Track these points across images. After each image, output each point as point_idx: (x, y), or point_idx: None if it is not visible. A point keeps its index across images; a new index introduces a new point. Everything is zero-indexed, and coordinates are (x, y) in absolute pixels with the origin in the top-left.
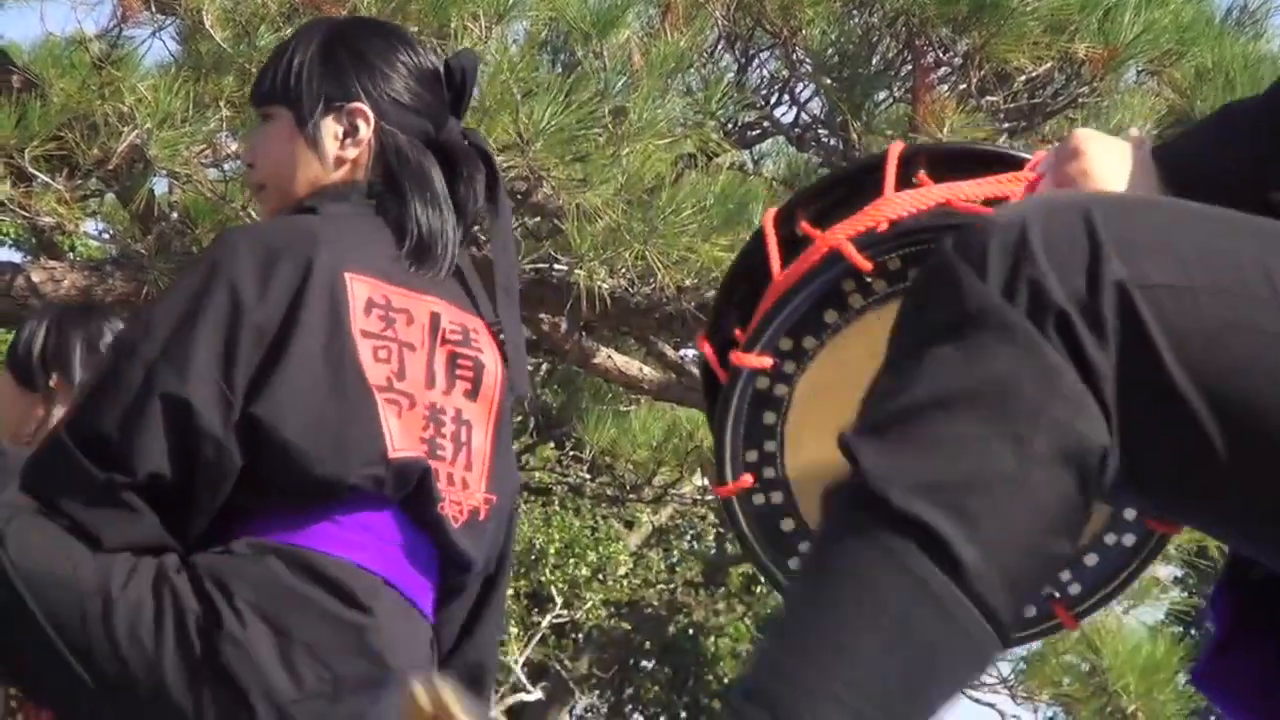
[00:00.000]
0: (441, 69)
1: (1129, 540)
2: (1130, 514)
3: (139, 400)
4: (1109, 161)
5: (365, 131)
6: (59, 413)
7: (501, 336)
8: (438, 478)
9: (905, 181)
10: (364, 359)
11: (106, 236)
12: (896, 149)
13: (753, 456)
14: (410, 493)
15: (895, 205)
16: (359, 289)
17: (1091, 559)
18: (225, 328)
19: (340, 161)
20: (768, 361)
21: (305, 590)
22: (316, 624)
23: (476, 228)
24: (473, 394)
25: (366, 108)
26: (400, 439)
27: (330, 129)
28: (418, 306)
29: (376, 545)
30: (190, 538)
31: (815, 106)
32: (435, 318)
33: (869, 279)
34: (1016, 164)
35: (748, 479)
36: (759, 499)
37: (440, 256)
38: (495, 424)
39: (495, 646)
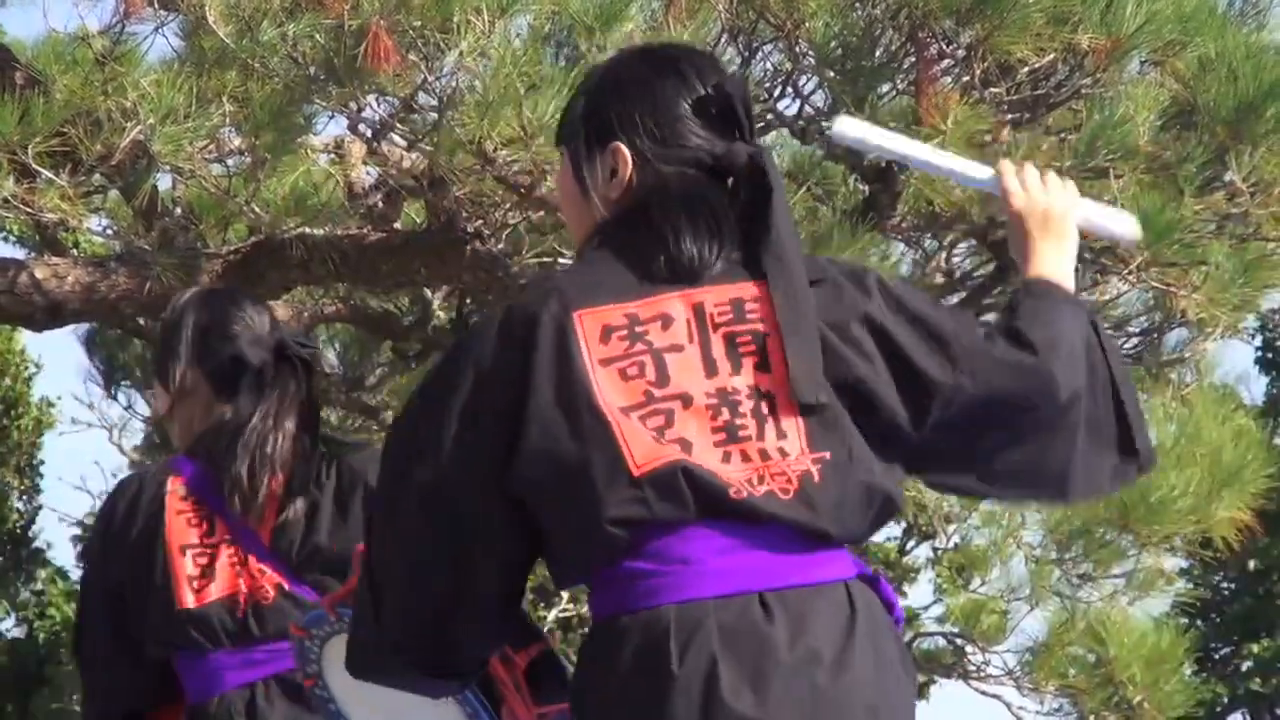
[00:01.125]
0: (713, 92)
1: None
2: None
3: (403, 490)
4: None
5: (624, 171)
6: (193, 405)
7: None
8: (746, 457)
9: None
10: (602, 389)
11: (110, 232)
12: None
13: None
14: (692, 495)
15: None
16: (590, 322)
17: None
18: (474, 410)
19: (607, 200)
20: None
21: (629, 691)
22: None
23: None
24: (762, 365)
25: (624, 146)
26: (644, 452)
27: (597, 169)
28: (675, 305)
29: (684, 570)
30: (478, 627)
31: (819, 99)
32: (699, 307)
33: None
34: None
35: None
36: None
37: (691, 265)
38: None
39: None
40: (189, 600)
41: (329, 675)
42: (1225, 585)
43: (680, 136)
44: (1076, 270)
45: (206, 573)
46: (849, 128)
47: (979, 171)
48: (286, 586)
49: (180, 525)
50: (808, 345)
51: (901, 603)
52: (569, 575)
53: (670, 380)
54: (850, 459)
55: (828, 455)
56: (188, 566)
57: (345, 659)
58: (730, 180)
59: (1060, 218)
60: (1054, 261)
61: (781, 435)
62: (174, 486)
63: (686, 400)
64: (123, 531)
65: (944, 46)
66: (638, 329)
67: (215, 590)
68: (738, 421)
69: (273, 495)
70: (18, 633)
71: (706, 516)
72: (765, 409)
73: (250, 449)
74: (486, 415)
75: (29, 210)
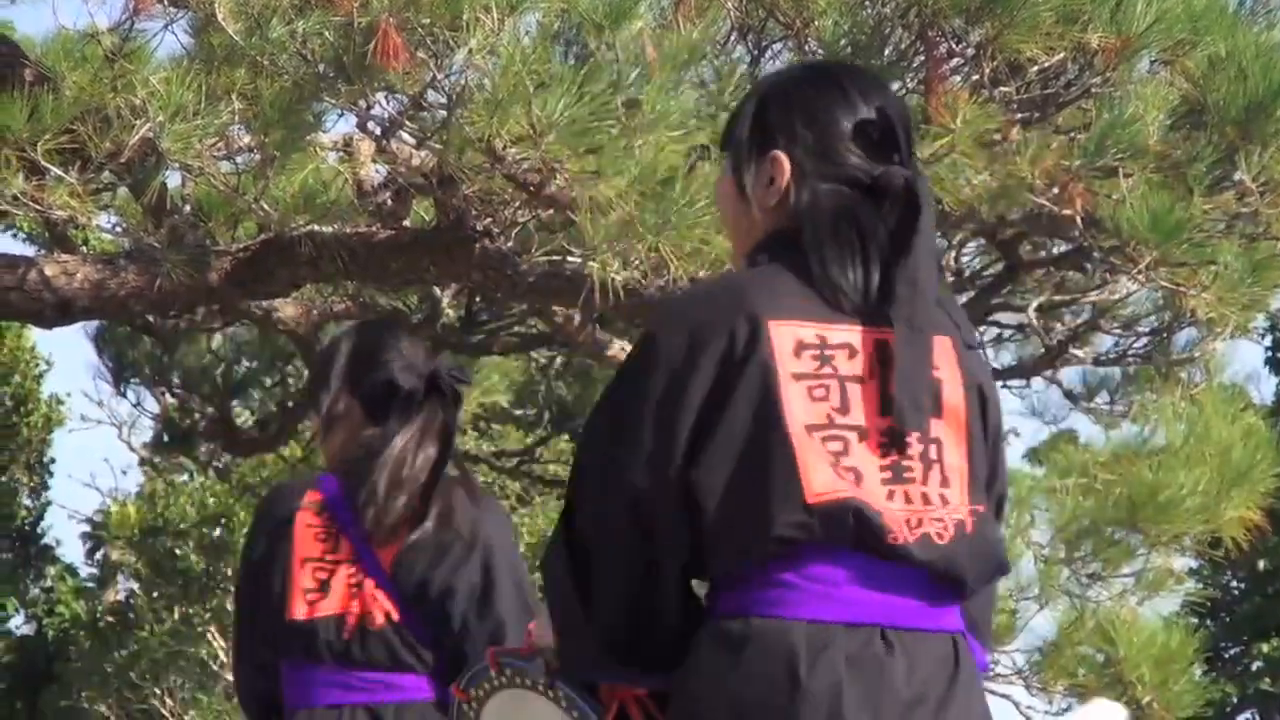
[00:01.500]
0: (875, 115)
1: None
2: None
3: (597, 494)
4: None
5: (781, 180)
6: (343, 429)
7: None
8: (909, 500)
9: None
10: (792, 404)
11: (119, 230)
12: None
13: None
14: (853, 531)
15: None
16: (784, 334)
17: None
18: (663, 409)
19: (764, 209)
20: None
21: (742, 689)
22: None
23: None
24: (936, 412)
25: (783, 156)
26: (822, 483)
27: (755, 176)
28: (858, 338)
29: (825, 592)
30: (669, 615)
31: None
32: (881, 346)
33: None
34: None
35: None
36: None
37: (857, 298)
38: (968, 439)
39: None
40: (300, 612)
41: None
42: (1235, 585)
43: (838, 154)
44: (1086, 269)
45: (323, 588)
46: None
47: None
48: (395, 616)
49: (307, 538)
50: (919, 372)
51: None
52: (713, 569)
53: (850, 410)
54: (995, 517)
55: (980, 509)
56: (306, 579)
57: (561, 665)
58: (884, 202)
59: None
60: None
61: (945, 483)
62: (310, 500)
63: (863, 434)
64: (258, 537)
65: (953, 45)
66: (826, 351)
67: (327, 606)
68: (904, 463)
69: (403, 521)
70: (27, 630)
71: (858, 550)
72: (933, 454)
73: (388, 469)
74: (681, 414)
75: (38, 207)
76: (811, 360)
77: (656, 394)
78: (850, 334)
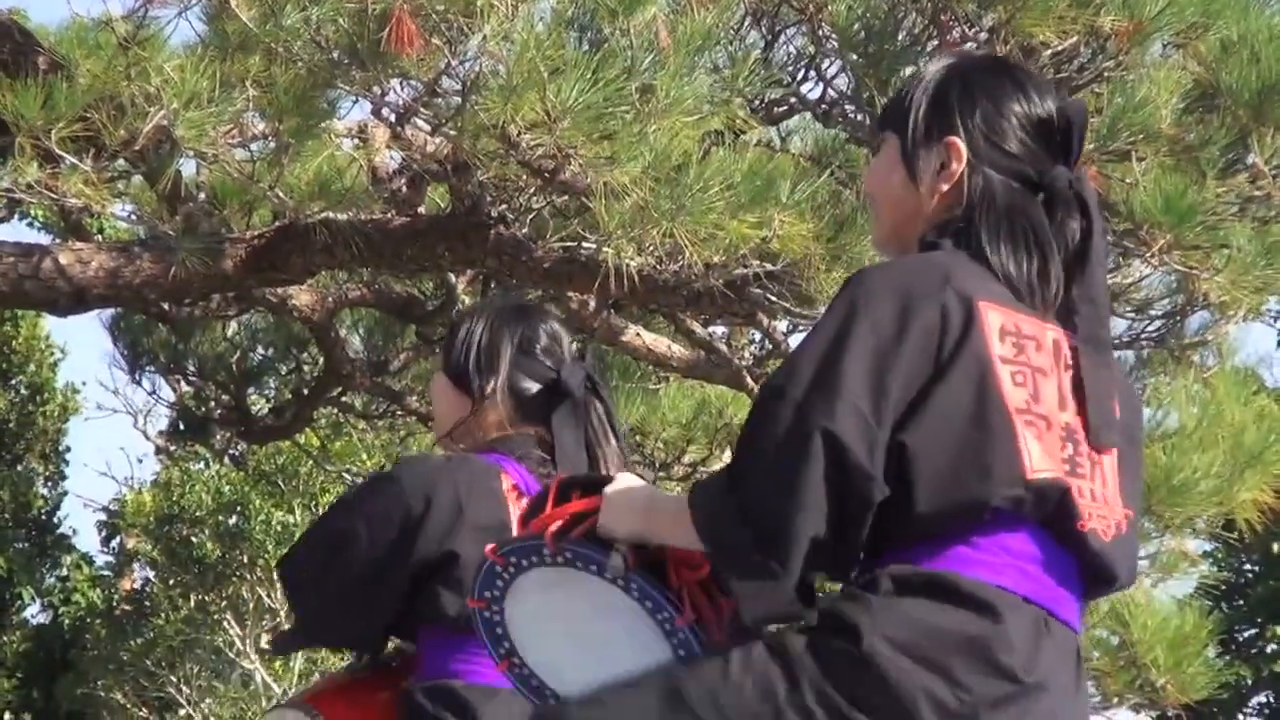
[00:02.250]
0: (1054, 116)
1: None
2: None
3: (791, 440)
4: None
5: (956, 166)
6: (490, 418)
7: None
8: (1081, 494)
9: None
10: (1004, 384)
11: (134, 218)
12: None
13: None
14: (1051, 512)
15: None
16: (992, 317)
17: None
18: (871, 366)
19: (934, 193)
20: None
21: (943, 620)
22: (955, 650)
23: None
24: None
25: (961, 143)
26: (1039, 461)
27: (927, 161)
28: (1042, 332)
29: (1013, 565)
30: (844, 569)
31: (842, 82)
32: (1057, 344)
33: None
34: None
35: None
36: None
37: (1033, 295)
38: (1120, 448)
39: None
40: None
41: (509, 602)
42: (1249, 567)
43: (1011, 143)
44: None
45: None
46: None
47: None
48: None
49: (514, 522)
50: (1105, 388)
51: None
52: (900, 528)
53: (1041, 400)
54: (1137, 522)
55: (1130, 514)
56: None
57: (742, 605)
58: (1052, 203)
59: None
60: None
61: (1104, 483)
62: (509, 485)
63: (1049, 424)
64: (456, 510)
65: (966, 30)
66: (1022, 340)
67: None
68: (1078, 458)
69: None
70: (43, 619)
71: (1045, 528)
72: (1094, 455)
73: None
74: (893, 377)
75: (53, 196)
76: (1012, 346)
77: (866, 355)
78: (1035, 327)
